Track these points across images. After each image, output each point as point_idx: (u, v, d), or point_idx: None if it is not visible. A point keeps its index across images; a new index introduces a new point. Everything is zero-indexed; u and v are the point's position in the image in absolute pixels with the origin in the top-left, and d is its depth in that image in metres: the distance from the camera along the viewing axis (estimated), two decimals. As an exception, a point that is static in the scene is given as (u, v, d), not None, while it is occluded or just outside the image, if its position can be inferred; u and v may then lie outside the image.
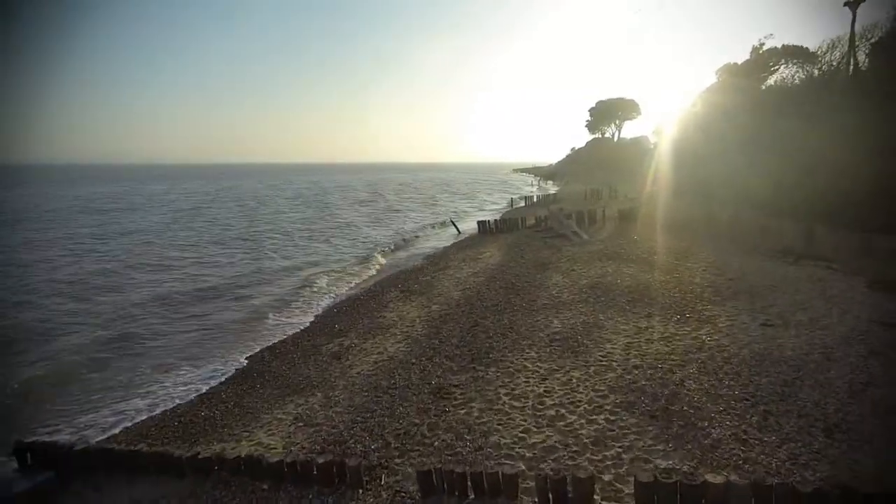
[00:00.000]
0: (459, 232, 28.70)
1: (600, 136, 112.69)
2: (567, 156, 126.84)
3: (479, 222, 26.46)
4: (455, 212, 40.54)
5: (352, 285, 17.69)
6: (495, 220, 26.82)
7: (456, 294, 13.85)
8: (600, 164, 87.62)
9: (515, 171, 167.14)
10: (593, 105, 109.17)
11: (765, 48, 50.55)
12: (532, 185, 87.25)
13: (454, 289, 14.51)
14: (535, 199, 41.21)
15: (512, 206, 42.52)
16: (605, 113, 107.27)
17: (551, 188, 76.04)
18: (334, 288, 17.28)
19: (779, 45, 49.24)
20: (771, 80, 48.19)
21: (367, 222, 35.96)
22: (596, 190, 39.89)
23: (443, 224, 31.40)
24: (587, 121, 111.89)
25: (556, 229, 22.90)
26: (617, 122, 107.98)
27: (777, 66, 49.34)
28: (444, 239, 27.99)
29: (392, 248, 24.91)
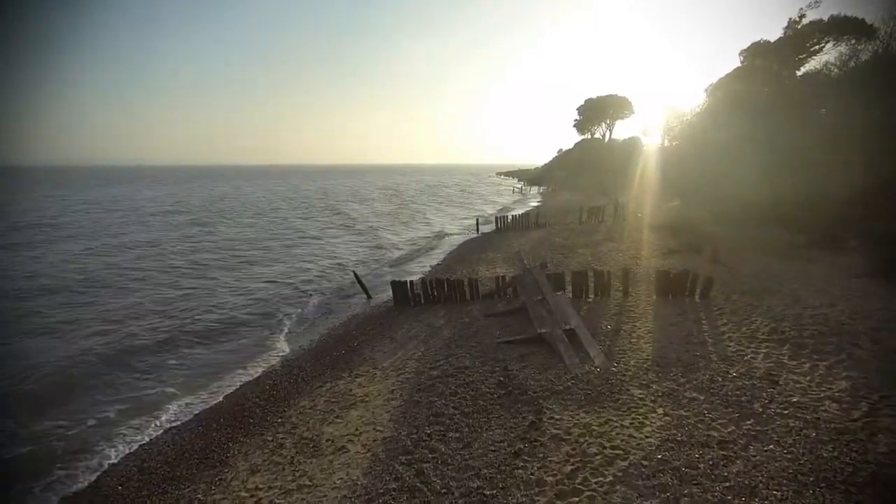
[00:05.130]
0: (370, 297, 16.46)
1: (590, 136, 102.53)
2: (554, 158, 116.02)
3: (394, 286, 14.24)
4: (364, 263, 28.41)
5: None
6: (424, 280, 14.61)
7: None
8: (590, 168, 76.76)
9: (499, 174, 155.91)
10: (582, 103, 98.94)
11: (805, 21, 39.74)
12: (514, 191, 75.40)
13: None
14: (509, 220, 29.28)
15: (478, 230, 30.42)
16: (595, 111, 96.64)
17: (535, 196, 64.34)
18: None
19: (825, 18, 38.43)
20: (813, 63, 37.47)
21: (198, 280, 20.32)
22: (596, 208, 28.03)
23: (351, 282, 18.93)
24: (575, 120, 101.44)
25: (533, 320, 10.75)
26: (608, 121, 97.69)
27: (821, 45, 38.32)
28: (336, 311, 15.72)
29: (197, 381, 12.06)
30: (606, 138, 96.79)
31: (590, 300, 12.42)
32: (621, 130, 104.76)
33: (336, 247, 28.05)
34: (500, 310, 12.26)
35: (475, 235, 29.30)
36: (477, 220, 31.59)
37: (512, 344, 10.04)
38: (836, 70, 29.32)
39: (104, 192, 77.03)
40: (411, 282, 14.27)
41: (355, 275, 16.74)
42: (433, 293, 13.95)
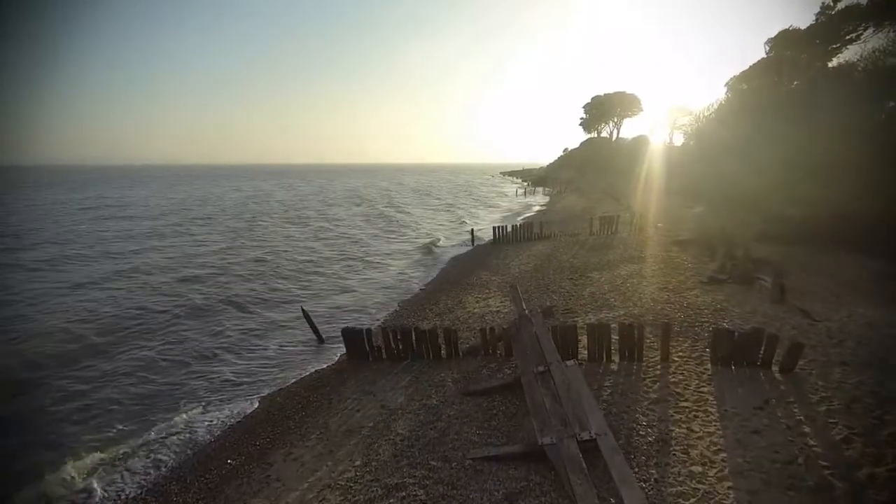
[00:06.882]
0: (322, 341, 12.74)
1: (596, 135, 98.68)
2: (559, 157, 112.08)
3: (346, 336, 10.52)
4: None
5: None
6: (386, 330, 10.75)
7: None
8: (597, 168, 72.89)
9: (503, 174, 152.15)
10: (589, 101, 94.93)
11: (840, 5, 35.71)
12: (518, 194, 71.51)
13: None
14: (508, 230, 25.52)
15: (473, 241, 26.66)
16: (603, 109, 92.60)
17: (540, 198, 60.46)
18: None
19: (862, 2, 34.40)
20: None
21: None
22: (609, 217, 24.18)
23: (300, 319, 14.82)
24: (582, 118, 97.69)
25: (532, 416, 6.97)
26: (615, 119, 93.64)
27: (858, 32, 34.30)
28: (289, 366, 11.95)
29: None
30: (614, 137, 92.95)
31: (613, 366, 8.63)
32: (629, 129, 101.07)
33: (384, 269, 22.93)
34: (482, 385, 8.45)
35: (467, 249, 25.55)
36: (472, 230, 27.80)
37: (497, 461, 6.29)
38: (888, 58, 25.34)
39: (121, 195, 72.70)
40: (369, 331, 10.51)
41: (303, 312, 12.96)
42: (397, 347, 10.21)
